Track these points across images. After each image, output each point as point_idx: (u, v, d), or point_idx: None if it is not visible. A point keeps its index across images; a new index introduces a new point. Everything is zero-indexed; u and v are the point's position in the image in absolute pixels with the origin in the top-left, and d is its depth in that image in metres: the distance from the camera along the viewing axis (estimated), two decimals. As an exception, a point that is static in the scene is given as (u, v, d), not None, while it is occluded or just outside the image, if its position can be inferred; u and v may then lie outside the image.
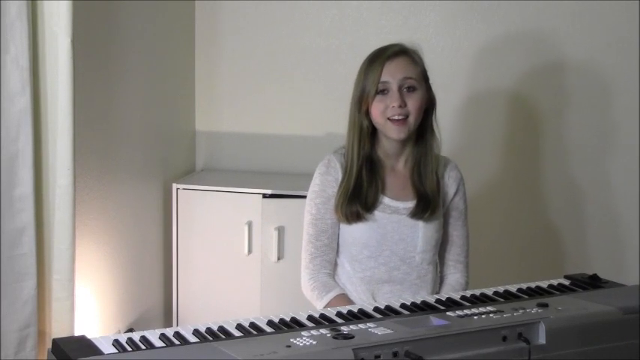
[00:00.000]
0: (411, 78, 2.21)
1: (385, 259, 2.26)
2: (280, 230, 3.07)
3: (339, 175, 2.27)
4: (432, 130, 2.29)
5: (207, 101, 3.55)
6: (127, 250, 2.95)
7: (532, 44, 3.30)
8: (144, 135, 3.10)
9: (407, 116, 2.19)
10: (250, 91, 3.50)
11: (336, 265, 2.35)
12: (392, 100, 2.18)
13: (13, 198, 2.12)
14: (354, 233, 2.27)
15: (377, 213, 2.26)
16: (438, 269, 2.39)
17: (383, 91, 2.20)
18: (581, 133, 3.31)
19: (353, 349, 1.45)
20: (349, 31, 3.38)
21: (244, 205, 3.10)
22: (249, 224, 3.08)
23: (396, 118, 2.18)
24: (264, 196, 3.09)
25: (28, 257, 2.16)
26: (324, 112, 3.40)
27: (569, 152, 3.33)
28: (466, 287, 2.36)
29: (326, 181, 2.29)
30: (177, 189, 3.15)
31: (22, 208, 2.14)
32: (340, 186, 2.26)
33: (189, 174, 3.49)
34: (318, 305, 2.24)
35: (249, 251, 3.10)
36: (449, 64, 3.31)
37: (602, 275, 2.05)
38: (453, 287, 2.33)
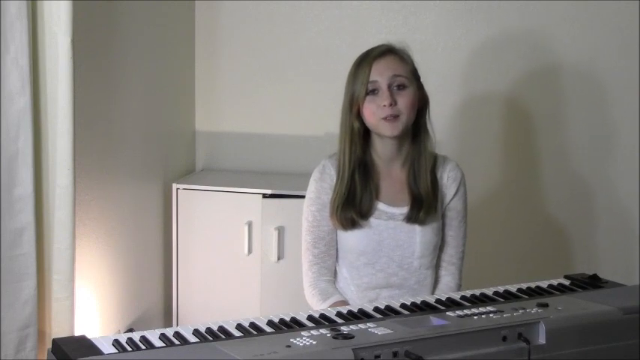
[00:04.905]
0: (400, 76, 2.18)
1: (382, 265, 2.24)
2: (280, 230, 3.07)
3: (334, 181, 2.25)
4: (426, 130, 2.26)
5: (207, 101, 3.55)
6: (127, 250, 2.94)
7: (530, 45, 3.29)
8: (144, 135, 3.10)
9: (398, 115, 2.16)
10: (250, 91, 3.50)
11: (335, 271, 2.34)
12: (382, 100, 2.15)
13: (13, 198, 2.12)
14: (350, 240, 2.25)
15: (372, 220, 2.23)
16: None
17: (373, 91, 2.18)
18: (578, 134, 3.31)
19: (353, 349, 1.45)
20: (349, 31, 3.38)
21: (244, 205, 3.10)
22: (249, 224, 3.08)
23: (388, 116, 2.15)
24: (264, 196, 3.09)
25: (28, 257, 2.16)
26: (324, 112, 3.40)
27: (566, 153, 3.33)
28: (457, 290, 2.29)
29: (321, 188, 2.27)
30: (177, 189, 3.15)
31: (21, 208, 2.14)
32: (334, 191, 2.23)
33: (189, 174, 3.48)
34: None
35: (249, 251, 3.10)
36: (448, 64, 3.31)
37: (604, 275, 2.05)
38: (443, 292, 2.26)
